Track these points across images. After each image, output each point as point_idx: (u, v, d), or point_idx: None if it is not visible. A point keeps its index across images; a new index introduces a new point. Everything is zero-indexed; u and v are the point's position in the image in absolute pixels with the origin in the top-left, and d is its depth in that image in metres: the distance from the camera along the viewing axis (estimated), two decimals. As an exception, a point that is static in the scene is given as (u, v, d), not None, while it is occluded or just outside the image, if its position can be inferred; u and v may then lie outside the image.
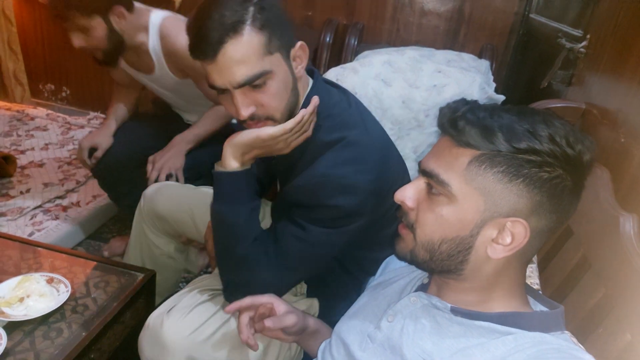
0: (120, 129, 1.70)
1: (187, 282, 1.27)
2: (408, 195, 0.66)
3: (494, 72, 2.03)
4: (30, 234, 1.79)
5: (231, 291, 0.96)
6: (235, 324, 0.92)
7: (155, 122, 1.81)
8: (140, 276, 1.21)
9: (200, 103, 1.66)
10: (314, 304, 1.08)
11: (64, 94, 3.06)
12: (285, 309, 0.89)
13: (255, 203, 0.96)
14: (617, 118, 1.07)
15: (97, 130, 1.71)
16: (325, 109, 0.95)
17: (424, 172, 0.65)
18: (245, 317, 0.89)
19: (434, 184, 0.63)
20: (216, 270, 1.03)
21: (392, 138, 1.21)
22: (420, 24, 2.33)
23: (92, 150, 1.62)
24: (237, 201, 0.94)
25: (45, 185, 2.11)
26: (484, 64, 1.98)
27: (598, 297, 0.83)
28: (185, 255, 1.56)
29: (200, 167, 1.58)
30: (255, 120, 0.91)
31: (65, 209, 1.98)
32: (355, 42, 2.27)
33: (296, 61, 0.93)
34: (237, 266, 0.95)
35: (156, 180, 1.50)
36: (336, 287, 1.09)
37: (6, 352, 0.95)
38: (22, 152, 2.37)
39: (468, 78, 1.79)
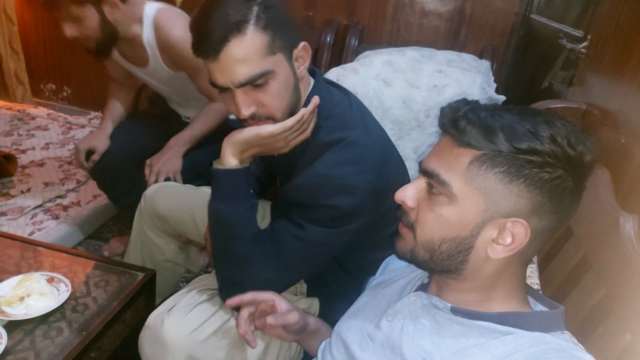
0: (117, 129, 1.68)
1: (187, 281, 1.27)
2: (408, 195, 0.66)
3: (495, 72, 2.02)
4: (31, 234, 1.79)
5: (227, 290, 0.95)
6: (235, 324, 0.92)
7: (152, 121, 1.79)
8: (140, 276, 1.21)
9: (196, 97, 1.64)
10: (314, 304, 1.08)
11: (65, 94, 3.07)
12: (287, 307, 0.89)
13: (253, 201, 0.96)
14: (617, 118, 1.07)
15: (93, 132, 1.68)
16: (326, 109, 0.96)
17: (424, 172, 0.65)
18: (245, 312, 0.89)
19: (435, 184, 0.63)
20: (216, 270, 1.03)
21: (393, 138, 1.21)
22: (421, 24, 2.33)
23: (90, 152, 1.60)
24: (235, 199, 0.93)
25: (46, 184, 2.12)
26: (485, 64, 1.98)
27: (598, 298, 0.83)
28: (185, 255, 1.55)
29: (198, 168, 1.57)
30: (255, 119, 0.91)
31: (65, 208, 1.98)
32: (356, 42, 2.27)
33: (298, 61, 0.93)
34: (233, 265, 0.94)
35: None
36: (336, 287, 1.09)
37: (6, 351, 0.95)
38: (23, 151, 2.37)
39: (469, 78, 1.79)
